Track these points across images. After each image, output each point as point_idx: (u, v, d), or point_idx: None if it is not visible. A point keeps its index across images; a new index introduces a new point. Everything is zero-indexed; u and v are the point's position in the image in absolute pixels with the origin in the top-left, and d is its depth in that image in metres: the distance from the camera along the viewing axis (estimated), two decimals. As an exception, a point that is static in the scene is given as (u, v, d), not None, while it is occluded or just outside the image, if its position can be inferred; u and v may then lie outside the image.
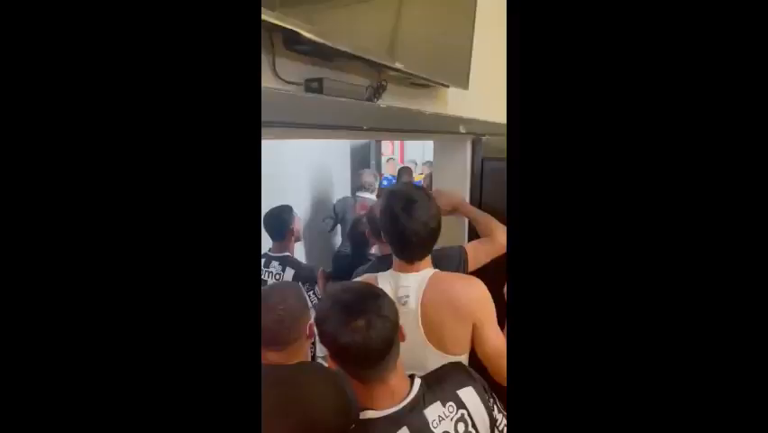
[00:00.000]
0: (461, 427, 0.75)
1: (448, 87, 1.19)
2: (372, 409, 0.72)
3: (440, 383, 0.78)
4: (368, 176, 2.69)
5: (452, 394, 0.77)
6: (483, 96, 1.55)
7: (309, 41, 0.70)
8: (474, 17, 1.29)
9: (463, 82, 1.29)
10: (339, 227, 2.71)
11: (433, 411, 0.73)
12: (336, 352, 0.70)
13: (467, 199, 1.58)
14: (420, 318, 0.97)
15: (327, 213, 2.75)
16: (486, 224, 1.29)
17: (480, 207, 1.51)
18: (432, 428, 0.72)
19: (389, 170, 3.74)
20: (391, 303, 0.73)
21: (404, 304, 0.97)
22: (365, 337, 0.66)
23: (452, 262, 1.14)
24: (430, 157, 3.45)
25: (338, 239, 2.79)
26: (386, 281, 1.02)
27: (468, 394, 0.78)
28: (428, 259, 1.03)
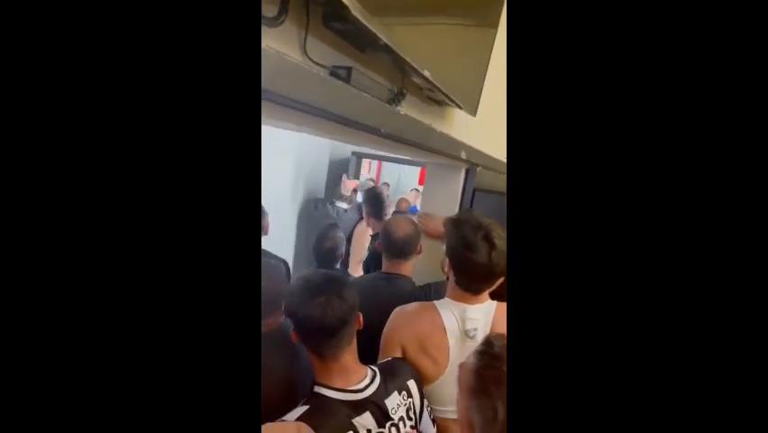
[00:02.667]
0: (410, 413, 0.85)
1: (461, 108, 1.14)
2: (326, 387, 0.77)
3: (395, 374, 0.87)
4: (350, 184, 2.53)
5: (404, 384, 0.87)
6: (486, 126, 1.53)
7: (353, 20, 0.62)
8: (492, 46, 1.27)
9: (472, 108, 1.26)
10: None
11: (392, 400, 0.82)
12: (297, 323, 0.78)
13: (454, 228, 1.53)
14: None
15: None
16: None
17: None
18: (392, 415, 0.80)
19: (412, 200, 3.24)
20: (354, 292, 0.80)
21: (472, 337, 0.92)
22: (322, 313, 0.74)
23: None
24: (404, 182, 3.39)
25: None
26: (449, 312, 0.95)
27: (413, 385, 0.88)
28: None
